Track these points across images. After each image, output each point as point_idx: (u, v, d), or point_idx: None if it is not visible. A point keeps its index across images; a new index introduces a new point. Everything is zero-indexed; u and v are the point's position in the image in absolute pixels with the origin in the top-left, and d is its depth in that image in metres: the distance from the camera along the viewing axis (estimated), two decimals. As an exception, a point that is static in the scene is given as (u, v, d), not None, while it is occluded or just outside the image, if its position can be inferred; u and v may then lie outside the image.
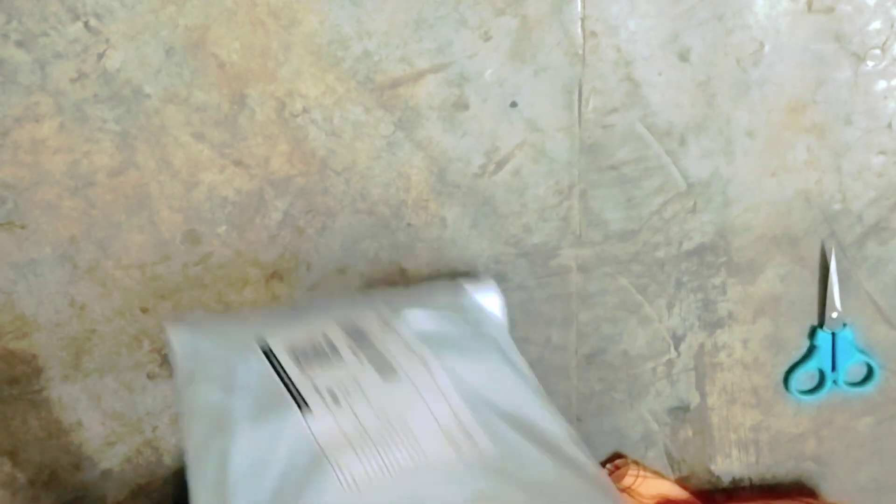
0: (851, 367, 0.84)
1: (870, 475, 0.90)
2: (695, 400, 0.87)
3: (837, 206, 0.78)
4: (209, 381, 0.62)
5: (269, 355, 0.62)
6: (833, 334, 0.83)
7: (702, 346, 0.84)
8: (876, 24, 0.70)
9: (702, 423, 0.88)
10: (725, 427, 0.88)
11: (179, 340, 0.67)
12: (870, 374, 0.85)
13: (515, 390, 0.63)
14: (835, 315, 0.82)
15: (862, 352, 0.83)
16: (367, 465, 0.54)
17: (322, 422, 0.57)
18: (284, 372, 0.61)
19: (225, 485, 0.56)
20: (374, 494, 0.53)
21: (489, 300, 0.72)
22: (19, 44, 0.69)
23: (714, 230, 0.79)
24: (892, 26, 0.70)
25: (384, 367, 0.61)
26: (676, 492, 0.88)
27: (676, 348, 0.84)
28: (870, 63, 0.72)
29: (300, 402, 0.58)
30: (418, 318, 0.65)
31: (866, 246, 0.79)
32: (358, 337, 0.64)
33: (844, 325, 0.82)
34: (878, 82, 0.73)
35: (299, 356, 0.62)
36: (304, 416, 0.57)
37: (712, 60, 0.72)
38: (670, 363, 0.85)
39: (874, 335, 0.84)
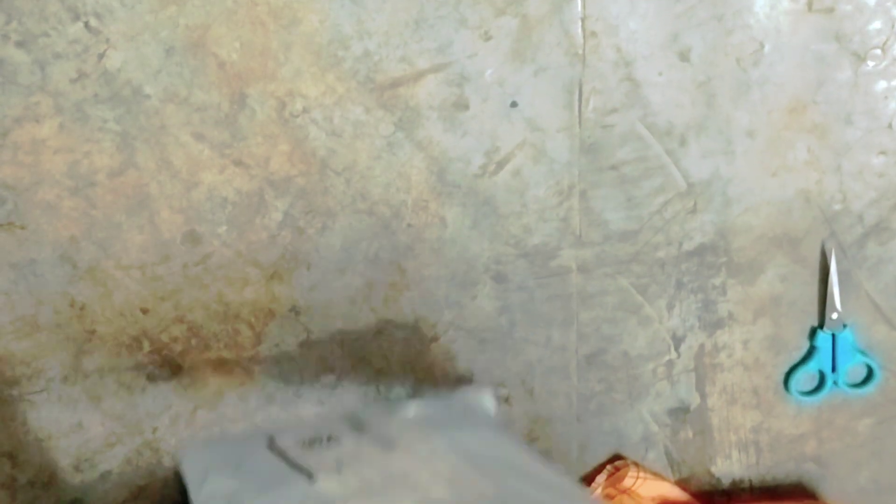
0: (851, 368, 0.84)
1: (870, 476, 0.90)
2: (695, 401, 0.87)
3: (838, 207, 0.78)
4: (219, 474, 0.66)
5: (275, 446, 0.66)
6: (833, 335, 0.83)
7: (702, 346, 0.84)
8: (876, 24, 0.70)
9: (702, 424, 0.87)
10: (726, 428, 0.88)
11: (190, 458, 0.70)
12: (870, 375, 0.85)
13: (511, 447, 0.67)
14: (835, 316, 0.82)
15: (862, 353, 0.83)
16: None
17: (327, 483, 0.61)
18: (290, 455, 0.65)
19: None
20: None
21: (482, 399, 0.75)
22: (19, 44, 0.69)
23: (714, 230, 0.79)
24: (893, 26, 0.70)
25: (385, 442, 0.65)
26: (676, 493, 0.88)
27: (677, 349, 0.84)
28: (870, 63, 0.72)
29: (306, 473, 0.61)
30: (414, 406, 0.69)
31: (867, 246, 0.79)
32: (358, 425, 0.68)
33: (844, 325, 0.82)
34: (879, 82, 0.73)
35: (303, 444, 0.66)
36: (310, 483, 0.60)
37: (712, 60, 0.72)
38: (670, 364, 0.85)
39: (874, 335, 0.84)
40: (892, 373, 0.85)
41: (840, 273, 0.80)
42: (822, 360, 0.84)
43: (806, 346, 0.85)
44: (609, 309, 0.82)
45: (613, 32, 0.70)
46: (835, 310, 0.82)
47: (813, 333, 0.84)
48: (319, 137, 0.75)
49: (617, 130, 0.75)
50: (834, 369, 0.84)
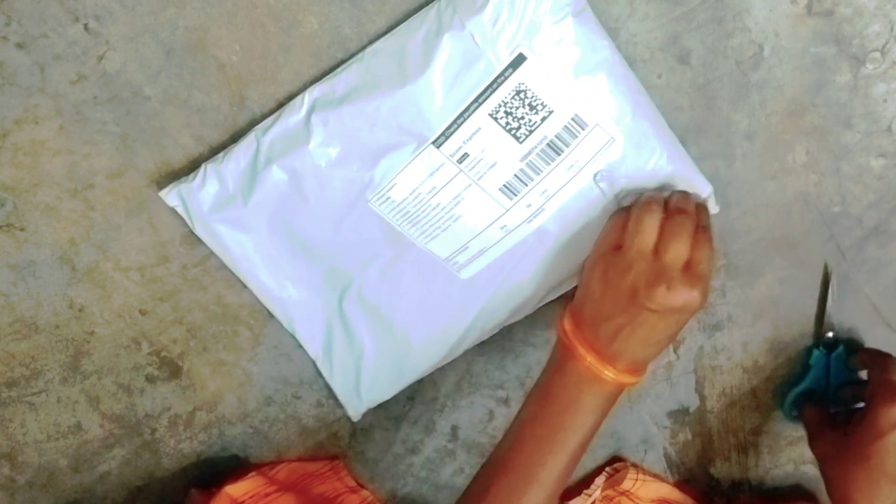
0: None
1: (869, 478, 0.90)
2: (694, 403, 0.87)
3: (837, 209, 0.78)
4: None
5: None
6: (827, 354, 0.82)
7: (701, 348, 0.84)
8: (875, 28, 0.70)
9: (701, 426, 0.88)
10: (725, 430, 0.88)
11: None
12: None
13: None
14: (831, 335, 0.82)
15: (854, 372, 0.83)
16: None
17: None
18: None
19: None
20: None
21: None
22: (19, 46, 0.69)
23: (713, 233, 0.79)
24: (892, 29, 0.70)
25: None
26: (676, 495, 0.88)
27: (675, 351, 0.84)
28: (869, 66, 0.72)
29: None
30: None
31: (866, 249, 0.79)
32: None
33: (838, 344, 0.82)
34: (878, 85, 0.73)
35: None
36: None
37: (712, 63, 0.72)
38: (670, 366, 0.85)
39: (874, 338, 0.84)
40: (891, 375, 0.85)
41: (839, 276, 0.80)
42: (816, 379, 0.83)
43: (802, 361, 0.84)
44: (608, 311, 0.82)
45: (613, 35, 0.70)
46: (831, 328, 0.81)
47: (808, 353, 0.83)
48: (319, 139, 0.74)
49: (616, 133, 0.75)
50: (827, 387, 0.83)
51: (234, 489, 0.78)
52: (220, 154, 0.71)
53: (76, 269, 0.77)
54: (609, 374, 0.65)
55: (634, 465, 0.88)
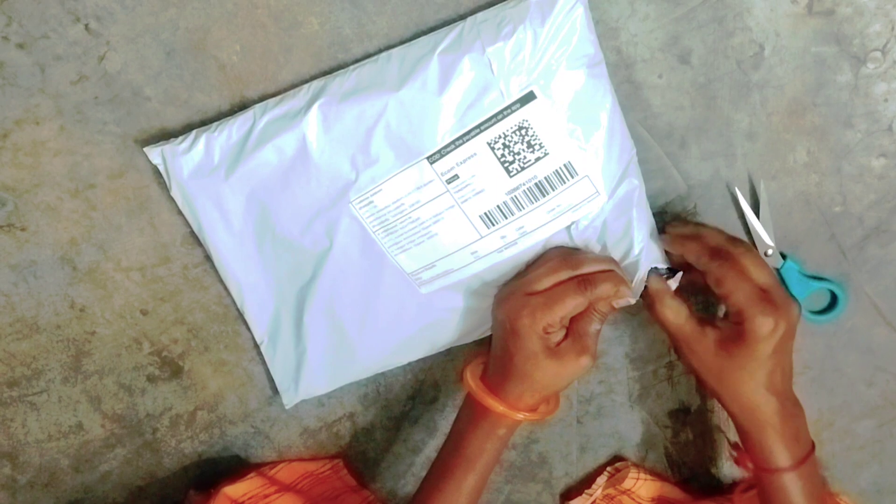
0: (810, 297, 0.81)
1: (870, 478, 0.90)
2: (695, 402, 0.87)
3: (838, 209, 0.78)
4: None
5: None
6: (776, 271, 0.79)
7: (702, 348, 0.84)
8: (876, 27, 0.70)
9: (702, 425, 0.87)
10: (726, 430, 0.88)
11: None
12: (834, 301, 0.81)
13: None
14: (769, 252, 0.78)
15: (818, 279, 0.80)
16: None
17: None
18: None
19: None
20: None
21: None
22: (20, 46, 0.69)
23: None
24: (893, 29, 0.70)
25: None
26: (677, 494, 0.88)
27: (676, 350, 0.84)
28: (870, 66, 0.72)
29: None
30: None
31: (867, 249, 0.79)
32: None
33: (784, 257, 0.79)
34: (879, 85, 0.73)
35: None
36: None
37: (713, 63, 0.72)
38: (671, 366, 0.85)
39: (875, 338, 0.84)
40: (893, 375, 0.85)
41: (840, 275, 0.80)
42: None
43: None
44: (609, 311, 0.82)
45: (613, 35, 0.70)
46: (767, 245, 0.78)
47: None
48: (319, 139, 0.74)
49: (617, 133, 0.75)
50: None
51: (233, 490, 0.78)
52: (215, 123, 0.71)
53: (77, 269, 0.77)
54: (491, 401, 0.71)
55: (636, 465, 0.88)
